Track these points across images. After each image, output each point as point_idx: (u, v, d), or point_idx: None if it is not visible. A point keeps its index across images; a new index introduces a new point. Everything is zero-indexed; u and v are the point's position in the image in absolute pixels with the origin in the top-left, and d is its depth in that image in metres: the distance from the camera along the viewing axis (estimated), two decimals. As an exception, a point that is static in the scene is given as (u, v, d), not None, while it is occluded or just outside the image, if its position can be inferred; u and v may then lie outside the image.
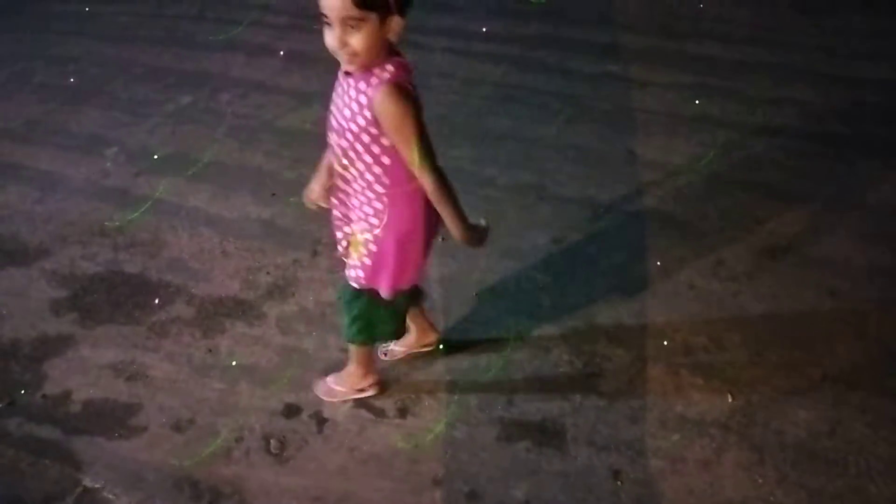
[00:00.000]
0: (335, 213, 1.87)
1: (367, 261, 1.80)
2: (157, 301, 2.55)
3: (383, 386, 2.19)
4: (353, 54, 1.51)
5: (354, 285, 1.86)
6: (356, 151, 1.65)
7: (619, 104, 3.66)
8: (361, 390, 2.16)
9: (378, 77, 1.55)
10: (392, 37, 1.53)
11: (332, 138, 1.71)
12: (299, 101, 3.74)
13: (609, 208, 2.94)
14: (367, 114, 1.57)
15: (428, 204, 1.71)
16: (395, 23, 1.51)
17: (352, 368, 2.14)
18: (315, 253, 2.75)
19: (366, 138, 1.61)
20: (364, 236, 1.77)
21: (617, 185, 3.07)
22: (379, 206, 1.72)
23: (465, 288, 2.55)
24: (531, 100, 3.71)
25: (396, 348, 2.28)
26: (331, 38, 1.51)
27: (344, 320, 1.98)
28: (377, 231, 1.75)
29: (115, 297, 2.58)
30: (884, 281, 2.55)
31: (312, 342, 2.39)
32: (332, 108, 1.68)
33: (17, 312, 2.53)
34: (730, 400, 2.14)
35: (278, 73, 4.02)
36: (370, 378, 2.16)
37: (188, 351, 2.37)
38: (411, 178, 1.66)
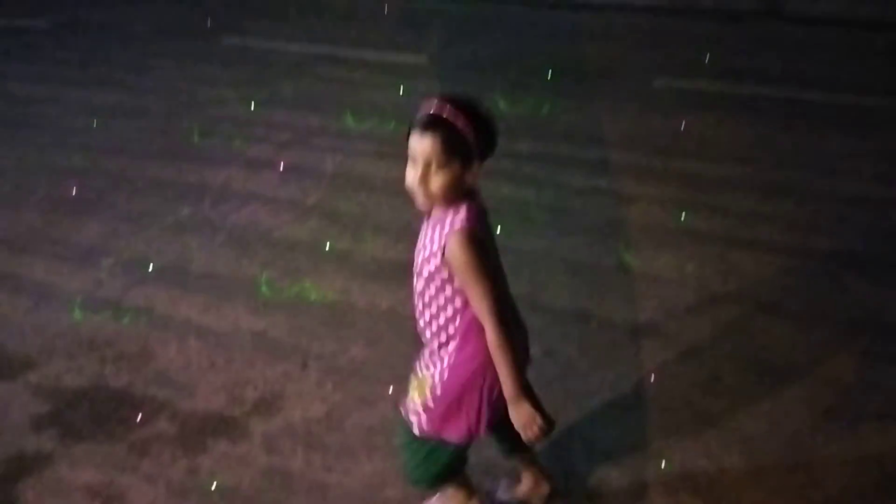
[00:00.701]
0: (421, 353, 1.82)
1: (431, 404, 1.73)
2: (139, 417, 2.49)
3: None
4: (429, 196, 1.56)
5: (416, 432, 1.78)
6: (431, 293, 1.66)
7: (608, 217, 3.75)
8: None
9: (452, 224, 1.58)
10: (471, 181, 1.58)
11: (414, 280, 1.72)
12: (296, 213, 3.82)
13: (601, 321, 2.94)
14: (440, 258, 1.59)
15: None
16: (476, 169, 1.57)
17: (450, 492, 1.98)
18: (305, 366, 2.72)
19: (438, 281, 1.63)
20: (429, 379, 1.73)
21: (608, 297, 3.10)
22: (450, 349, 1.69)
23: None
24: (523, 212, 3.80)
25: (506, 497, 2.12)
26: (412, 176, 1.56)
27: (406, 462, 1.88)
28: (444, 374, 1.70)
29: (98, 413, 2.52)
30: (879, 400, 2.52)
31: (298, 462, 2.31)
32: (416, 245, 1.71)
33: (-4, 428, 2.47)
34: (731, 527, 2.06)
35: (277, 185, 4.14)
36: (474, 498, 1.99)
37: (167, 472, 2.29)
38: (472, 324, 1.65)
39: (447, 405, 1.71)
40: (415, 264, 1.70)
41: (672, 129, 4.87)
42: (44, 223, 3.77)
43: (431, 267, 1.61)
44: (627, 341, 2.84)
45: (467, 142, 1.53)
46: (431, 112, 1.54)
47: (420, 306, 1.71)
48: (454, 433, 1.74)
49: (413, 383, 1.79)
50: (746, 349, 2.78)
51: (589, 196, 3.98)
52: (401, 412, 1.83)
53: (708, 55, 6.53)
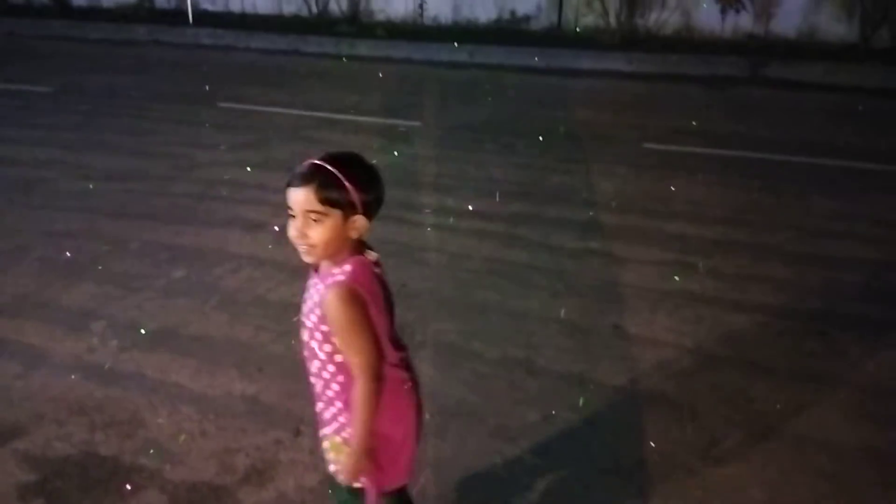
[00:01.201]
0: (317, 408, 1.80)
1: (346, 464, 1.70)
2: (128, 487, 2.42)
3: None
4: (311, 246, 1.56)
5: (349, 485, 1.74)
6: (312, 346, 1.65)
7: (602, 279, 3.78)
8: None
9: (333, 276, 1.58)
10: (354, 234, 1.58)
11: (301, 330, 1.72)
12: (290, 274, 3.83)
13: (599, 385, 2.92)
14: (318, 311, 1.60)
15: (399, 398, 1.69)
16: (359, 222, 1.56)
17: None
18: (298, 433, 2.67)
19: (318, 335, 1.62)
20: (338, 438, 1.71)
21: (604, 360, 3.08)
22: (339, 404, 1.68)
23: (454, 471, 2.45)
24: (517, 274, 3.82)
25: None
26: (293, 228, 1.57)
27: None
28: (346, 431, 1.68)
29: (86, 483, 2.45)
30: (880, 464, 2.49)
31: (290, 534, 2.24)
32: (302, 302, 1.71)
33: (-21, 499, 2.39)
34: None
35: (272, 247, 4.15)
36: None
37: (156, 544, 2.21)
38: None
39: (380, 457, 1.71)
40: (301, 314, 1.69)
41: (662, 192, 4.97)
42: (37, 286, 3.75)
43: (315, 318, 1.61)
44: (626, 405, 2.81)
45: (346, 192, 1.52)
46: (308, 164, 1.55)
47: (308, 354, 1.70)
48: (372, 488, 1.72)
49: (329, 445, 1.75)
50: (745, 413, 2.76)
51: (582, 258, 4.01)
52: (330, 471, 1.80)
53: (695, 119, 6.72)
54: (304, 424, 2.70)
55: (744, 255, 4.03)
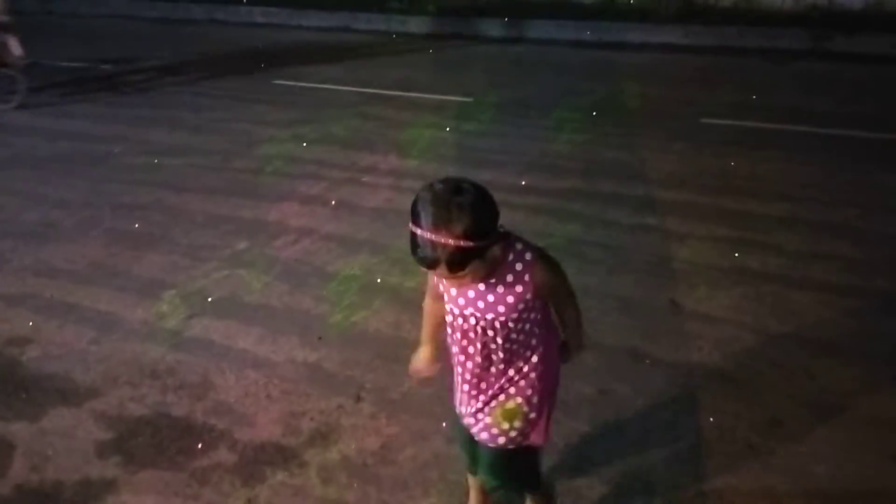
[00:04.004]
0: (465, 396, 1.80)
1: (524, 423, 1.77)
2: (200, 446, 2.54)
3: None
4: (471, 282, 1.57)
5: (510, 447, 1.79)
6: (517, 331, 1.67)
7: (658, 255, 3.73)
8: None
9: (521, 262, 1.60)
10: (497, 252, 1.55)
11: (470, 342, 1.70)
12: (348, 248, 3.91)
13: (655, 360, 2.91)
14: (529, 295, 1.61)
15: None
16: (493, 251, 1.53)
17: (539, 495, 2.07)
18: (359, 399, 2.75)
19: (525, 314, 1.65)
20: (518, 399, 1.75)
21: (661, 336, 3.07)
22: (534, 360, 1.73)
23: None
24: (571, 249, 3.80)
25: None
26: (450, 284, 1.62)
27: (509, 483, 1.95)
28: (535, 384, 1.75)
29: (160, 441, 2.58)
30: (952, 445, 2.43)
31: (353, 495, 2.32)
32: (465, 315, 1.67)
33: (63, 453, 2.54)
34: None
35: (329, 221, 4.24)
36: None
37: (227, 502, 2.32)
38: (550, 326, 1.76)
39: (546, 409, 1.80)
40: (471, 333, 1.68)
41: (721, 168, 4.86)
42: (106, 255, 3.92)
43: (519, 309, 1.63)
44: (683, 381, 2.80)
45: (469, 252, 1.45)
46: (421, 250, 1.46)
47: (484, 357, 1.71)
48: (540, 437, 1.83)
49: (496, 416, 1.77)
50: (807, 390, 2.71)
51: (638, 233, 3.97)
52: (489, 448, 1.82)
53: (755, 94, 6.52)
54: (365, 391, 2.78)
55: (806, 233, 3.92)
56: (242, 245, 3.98)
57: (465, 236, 1.42)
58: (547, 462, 2.39)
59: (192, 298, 3.46)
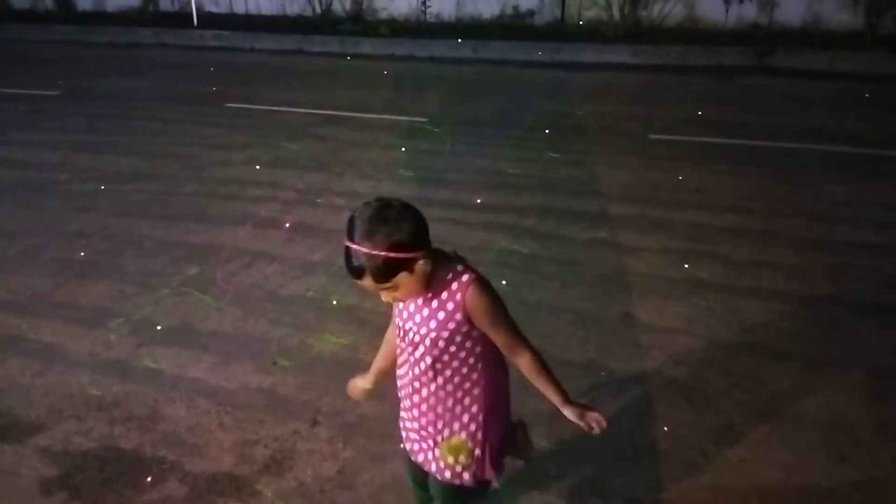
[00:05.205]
0: (410, 425, 1.84)
1: (479, 452, 1.77)
2: (149, 479, 2.46)
3: None
4: (405, 297, 1.64)
5: (456, 482, 1.79)
6: (449, 354, 1.68)
7: (611, 268, 3.79)
8: None
9: (457, 282, 1.62)
10: (428, 268, 1.58)
11: (409, 357, 1.73)
12: (303, 270, 3.86)
13: (611, 372, 2.94)
14: (459, 315, 1.63)
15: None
16: (422, 264, 1.56)
17: None
18: (315, 423, 2.70)
19: (459, 338, 1.66)
20: (462, 434, 1.75)
21: (616, 348, 3.10)
22: (475, 394, 1.73)
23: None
24: (527, 265, 3.84)
25: None
26: (384, 297, 1.63)
27: None
28: (478, 418, 1.74)
29: (108, 475, 2.48)
30: (894, 446, 2.50)
31: (310, 521, 2.27)
32: (405, 329, 1.71)
33: (5, 493, 2.43)
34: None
35: (283, 244, 4.19)
36: None
37: (179, 534, 2.25)
38: (498, 362, 1.75)
39: (489, 445, 1.78)
40: (416, 339, 1.69)
41: (670, 182, 4.97)
42: (51, 285, 3.80)
43: (449, 328, 1.64)
44: (638, 392, 2.83)
45: (396, 263, 1.52)
46: (350, 260, 1.53)
47: (423, 381, 1.73)
48: (489, 472, 1.80)
49: (443, 451, 1.78)
50: (758, 397, 2.77)
51: (592, 248, 4.03)
52: (438, 480, 1.82)
53: (701, 109, 6.72)
54: (321, 415, 2.74)
55: (754, 243, 4.03)
56: (193, 271, 3.90)
57: (388, 247, 1.51)
58: (503, 477, 2.38)
59: (141, 327, 3.37)
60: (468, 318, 1.63)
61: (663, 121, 6.40)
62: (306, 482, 2.43)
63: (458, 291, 1.62)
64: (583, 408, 1.79)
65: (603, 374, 2.93)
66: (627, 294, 3.54)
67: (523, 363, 1.72)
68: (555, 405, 1.79)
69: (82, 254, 4.14)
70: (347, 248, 1.54)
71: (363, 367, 2.98)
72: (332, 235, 4.26)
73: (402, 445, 1.90)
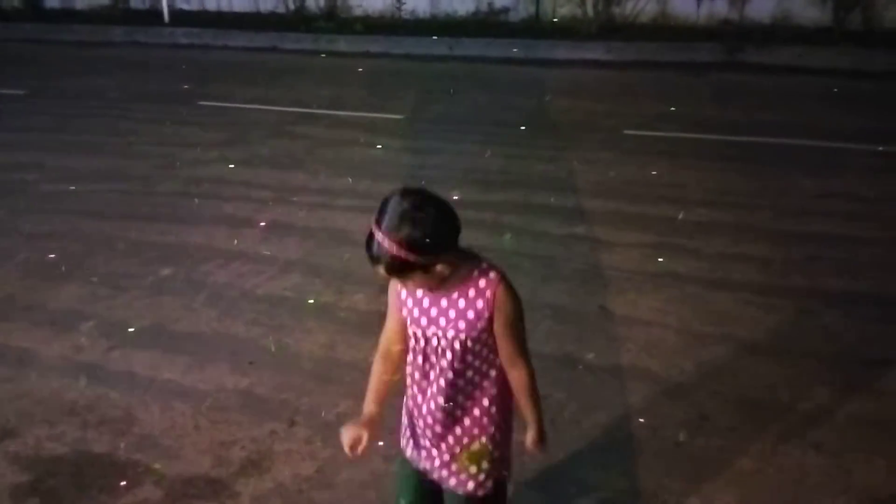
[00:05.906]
0: (422, 433, 1.74)
1: (497, 453, 1.72)
2: (123, 483, 2.42)
3: None
4: (413, 288, 1.61)
5: (480, 492, 1.72)
6: (473, 354, 1.62)
7: (588, 263, 3.82)
8: None
9: (485, 279, 1.56)
10: (447, 272, 1.53)
11: (430, 367, 1.66)
12: (279, 269, 3.83)
13: (588, 365, 2.96)
14: (487, 314, 1.57)
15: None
16: (442, 269, 1.52)
17: None
18: (293, 423, 2.68)
19: (484, 336, 1.61)
20: (483, 439, 1.70)
21: (593, 341, 3.12)
22: (493, 394, 1.68)
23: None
24: (504, 261, 3.78)
25: None
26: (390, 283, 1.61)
27: None
28: (496, 420, 1.70)
29: (81, 480, 2.44)
30: (866, 431, 2.55)
31: (289, 522, 2.26)
32: (426, 336, 1.63)
33: (-27, 501, 2.38)
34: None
35: (258, 243, 4.15)
36: None
37: (155, 538, 2.22)
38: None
39: (508, 442, 1.77)
40: (433, 356, 1.64)
41: (644, 176, 5.02)
42: (21, 288, 3.72)
43: (479, 328, 1.59)
44: (615, 384, 2.85)
45: (409, 264, 1.48)
46: (370, 244, 1.50)
47: (447, 390, 1.65)
48: (508, 468, 1.81)
49: (462, 460, 1.71)
50: (732, 388, 2.81)
51: (568, 243, 4.05)
52: (460, 494, 1.75)
53: (674, 105, 6.79)
54: (299, 415, 2.72)
55: (726, 236, 4.09)
56: (166, 271, 3.85)
57: (410, 249, 1.47)
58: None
59: (113, 329, 3.31)
60: (493, 317, 1.58)
61: (637, 116, 6.46)
62: (284, 483, 2.41)
63: (487, 289, 1.56)
64: (542, 443, 1.76)
65: (580, 367, 2.95)
66: (603, 288, 3.56)
67: (520, 377, 1.67)
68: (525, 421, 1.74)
69: (52, 256, 4.06)
70: (371, 231, 1.50)
71: (340, 366, 3.01)
72: (307, 234, 4.24)
73: (407, 454, 1.82)
